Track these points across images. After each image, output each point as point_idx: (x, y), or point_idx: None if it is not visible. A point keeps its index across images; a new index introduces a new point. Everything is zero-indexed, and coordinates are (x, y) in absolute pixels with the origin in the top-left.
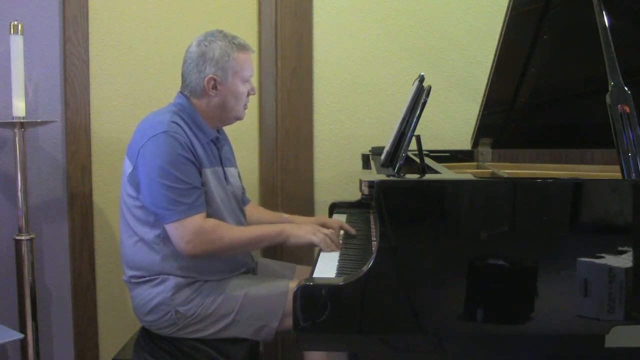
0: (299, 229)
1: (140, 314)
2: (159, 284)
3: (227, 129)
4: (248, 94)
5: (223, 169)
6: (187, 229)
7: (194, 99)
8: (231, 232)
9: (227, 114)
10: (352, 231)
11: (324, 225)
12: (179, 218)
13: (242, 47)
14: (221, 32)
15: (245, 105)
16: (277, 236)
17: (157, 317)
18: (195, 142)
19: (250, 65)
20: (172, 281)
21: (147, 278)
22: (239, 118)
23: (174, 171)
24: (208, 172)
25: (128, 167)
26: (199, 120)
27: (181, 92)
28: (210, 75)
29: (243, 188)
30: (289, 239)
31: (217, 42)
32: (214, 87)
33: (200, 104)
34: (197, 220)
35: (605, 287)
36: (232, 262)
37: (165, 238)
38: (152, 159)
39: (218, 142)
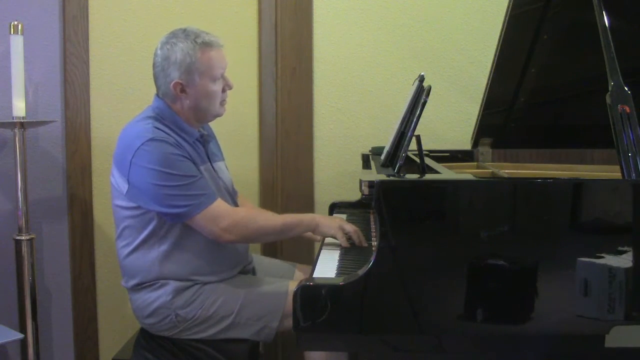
0: (331, 220)
1: (140, 316)
2: (158, 288)
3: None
4: (224, 90)
5: (212, 165)
6: (219, 216)
7: (169, 102)
8: (264, 216)
9: (202, 114)
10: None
11: None
12: (204, 208)
13: (207, 45)
14: (184, 30)
15: (223, 102)
16: (309, 223)
17: (157, 320)
18: (182, 142)
19: (219, 61)
20: (171, 285)
21: (146, 284)
22: (217, 115)
23: (175, 170)
24: (202, 169)
25: (121, 182)
26: (179, 122)
27: (158, 96)
28: (176, 80)
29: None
30: (319, 228)
31: (178, 45)
32: (182, 91)
33: (175, 107)
34: (223, 205)
35: (605, 287)
36: (228, 260)
37: (162, 244)
38: (148, 167)
39: (203, 140)
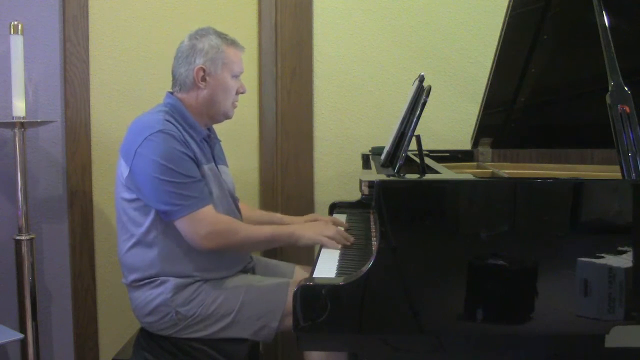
0: (309, 230)
1: (140, 315)
2: (158, 285)
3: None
4: (237, 92)
5: (217, 167)
6: (201, 222)
7: (183, 94)
8: (245, 229)
9: (215, 110)
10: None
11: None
12: (190, 212)
13: (233, 43)
14: (212, 28)
15: (234, 103)
16: (288, 238)
17: (157, 318)
18: (189, 140)
19: (239, 61)
20: (171, 282)
21: (147, 281)
22: (227, 116)
23: (175, 167)
24: (205, 169)
25: (124, 170)
26: (189, 118)
27: (170, 92)
28: (200, 66)
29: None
30: (300, 240)
31: (208, 36)
32: (203, 79)
33: (190, 99)
34: (210, 213)
35: (605, 287)
36: (230, 258)
37: (163, 239)
38: (151, 157)
39: (210, 140)
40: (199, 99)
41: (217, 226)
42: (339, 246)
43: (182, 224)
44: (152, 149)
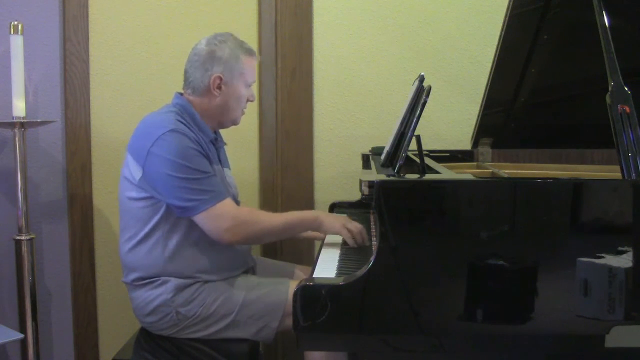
0: (334, 219)
1: (141, 315)
2: (159, 285)
3: (227, 128)
4: (247, 100)
5: (222, 169)
6: (223, 216)
7: (195, 97)
8: (268, 217)
9: (225, 116)
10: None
11: None
12: (210, 205)
13: (250, 52)
14: (231, 34)
15: (243, 111)
16: (312, 222)
17: (158, 318)
18: (199, 139)
19: (254, 71)
20: (172, 283)
21: (147, 280)
22: (235, 123)
23: (190, 164)
24: (215, 169)
25: (135, 171)
26: (198, 120)
27: (179, 93)
28: (217, 74)
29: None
30: (323, 226)
31: (227, 43)
32: (219, 87)
33: (201, 103)
34: (230, 205)
35: (605, 287)
36: (232, 260)
37: (166, 240)
38: (166, 156)
39: (216, 143)
40: (211, 105)
41: (239, 219)
42: (355, 243)
43: (203, 220)
44: (166, 147)
